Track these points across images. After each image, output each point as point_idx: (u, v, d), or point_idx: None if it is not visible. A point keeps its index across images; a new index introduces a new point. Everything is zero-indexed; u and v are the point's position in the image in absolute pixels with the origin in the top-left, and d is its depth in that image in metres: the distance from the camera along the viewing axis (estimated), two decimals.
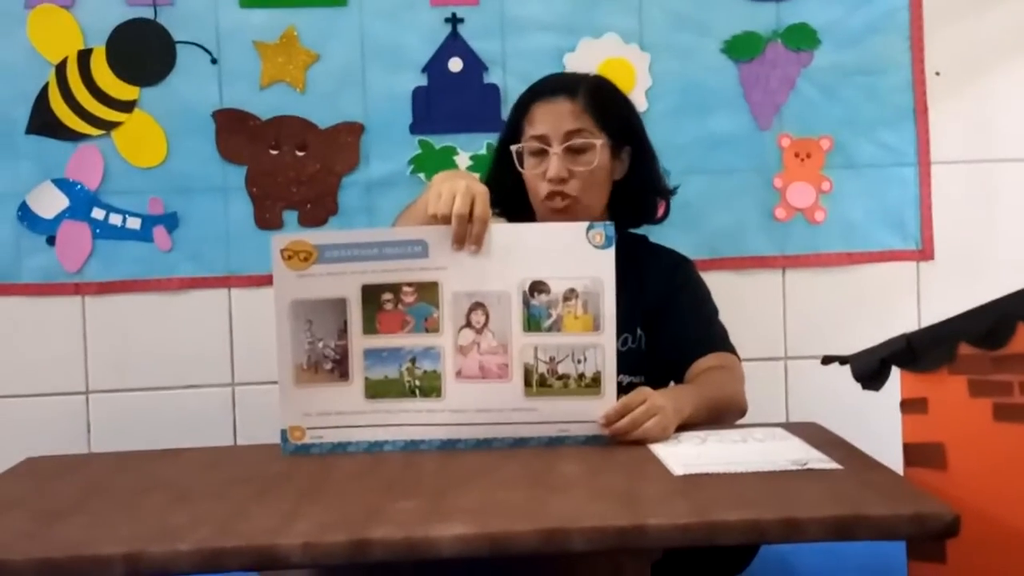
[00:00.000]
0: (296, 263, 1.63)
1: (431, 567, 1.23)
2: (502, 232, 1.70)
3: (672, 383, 1.93)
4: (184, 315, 2.47)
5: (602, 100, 1.99)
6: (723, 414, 1.81)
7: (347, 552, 1.19)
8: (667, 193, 2.11)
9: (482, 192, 1.67)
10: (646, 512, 1.24)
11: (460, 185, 1.65)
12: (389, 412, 1.63)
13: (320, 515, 1.29)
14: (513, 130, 2.01)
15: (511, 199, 2.01)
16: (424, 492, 1.38)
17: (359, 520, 1.25)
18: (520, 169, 1.97)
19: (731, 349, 1.97)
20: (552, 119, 1.94)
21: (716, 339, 1.97)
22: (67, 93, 2.43)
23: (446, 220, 1.63)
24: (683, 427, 1.65)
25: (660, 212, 2.12)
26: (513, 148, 1.97)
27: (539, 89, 2.02)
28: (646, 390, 1.65)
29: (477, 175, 1.97)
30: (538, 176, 1.95)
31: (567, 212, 1.92)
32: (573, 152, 1.93)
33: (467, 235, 1.63)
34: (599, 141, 1.94)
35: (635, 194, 2.03)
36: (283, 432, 1.64)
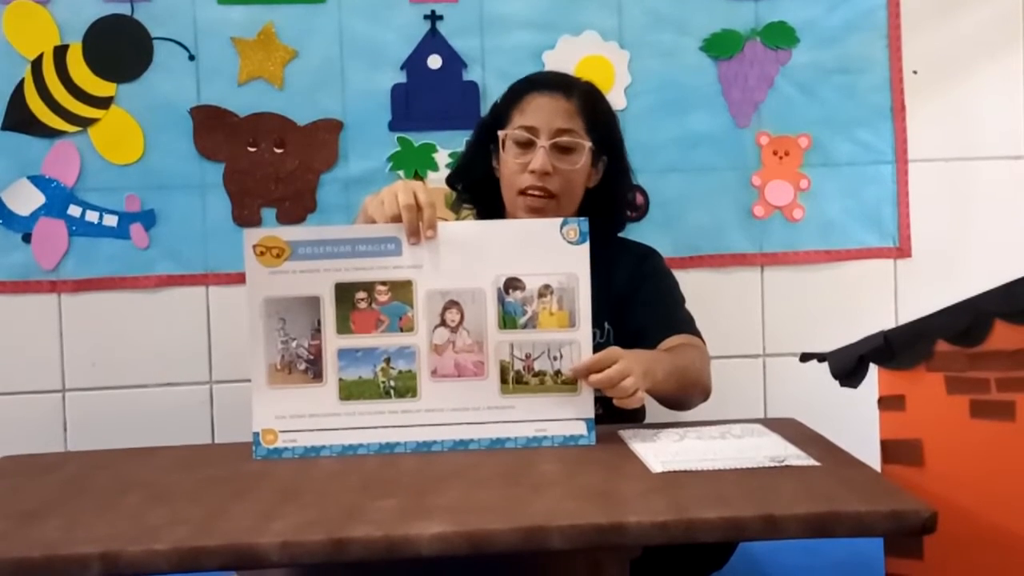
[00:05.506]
0: (269, 259, 1.62)
1: (410, 566, 1.22)
2: (475, 229, 1.69)
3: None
4: (161, 313, 2.46)
5: (594, 107, 2.00)
6: (690, 389, 1.82)
7: (326, 551, 1.18)
8: (636, 208, 2.11)
9: (419, 183, 1.71)
10: (625, 510, 1.24)
11: (396, 186, 1.68)
12: (364, 414, 1.62)
13: (298, 514, 1.28)
14: (500, 116, 2.01)
15: (481, 186, 2.02)
16: (402, 491, 1.37)
17: (338, 519, 1.25)
18: (500, 153, 1.97)
19: (697, 333, 1.96)
20: (545, 113, 1.94)
21: (683, 322, 1.97)
22: (43, 89, 2.41)
23: (398, 220, 1.63)
24: (660, 425, 1.65)
25: (639, 213, 2.13)
26: (500, 133, 1.96)
27: (536, 80, 2.03)
28: (617, 350, 1.64)
29: None
30: (519, 167, 1.94)
31: (542, 211, 1.91)
32: (559, 150, 1.93)
33: (420, 224, 1.62)
34: (587, 144, 1.95)
35: (605, 204, 2.02)
36: (255, 435, 1.62)
